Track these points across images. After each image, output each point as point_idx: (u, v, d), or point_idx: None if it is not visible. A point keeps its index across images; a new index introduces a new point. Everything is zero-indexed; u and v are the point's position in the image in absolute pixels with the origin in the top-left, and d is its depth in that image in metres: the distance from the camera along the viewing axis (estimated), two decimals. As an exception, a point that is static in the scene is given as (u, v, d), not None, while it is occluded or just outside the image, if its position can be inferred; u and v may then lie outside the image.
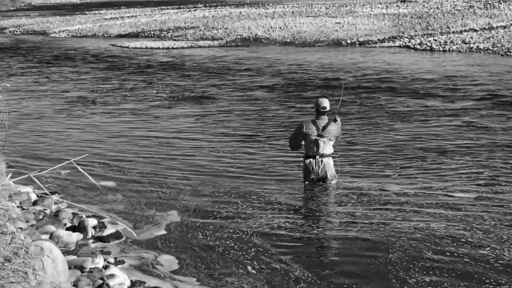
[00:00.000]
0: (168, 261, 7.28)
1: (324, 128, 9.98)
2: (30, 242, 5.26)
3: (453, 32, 37.37)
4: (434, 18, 44.04)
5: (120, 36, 50.13)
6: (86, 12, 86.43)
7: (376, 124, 15.25)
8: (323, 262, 7.31)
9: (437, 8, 53.58)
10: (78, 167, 3.29)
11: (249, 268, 7.01)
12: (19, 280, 3.02)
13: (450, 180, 10.18)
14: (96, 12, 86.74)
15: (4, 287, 2.85)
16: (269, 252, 7.46)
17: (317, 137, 9.98)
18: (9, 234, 3.16)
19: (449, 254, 7.27)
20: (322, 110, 10.07)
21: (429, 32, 38.26)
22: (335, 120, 10.08)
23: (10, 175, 3.51)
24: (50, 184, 10.19)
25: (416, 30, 39.12)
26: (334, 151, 10.33)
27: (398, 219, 8.42)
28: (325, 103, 10.10)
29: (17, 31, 61.42)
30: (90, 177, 3.48)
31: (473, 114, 15.87)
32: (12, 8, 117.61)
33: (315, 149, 10.00)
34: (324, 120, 10.06)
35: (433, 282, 6.57)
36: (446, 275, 6.74)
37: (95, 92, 22.28)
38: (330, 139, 10.04)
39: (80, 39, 50.40)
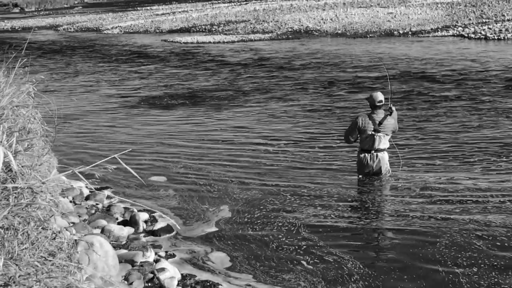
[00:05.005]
0: (219, 258, 7.22)
1: (381, 123, 9.79)
2: (77, 236, 5.29)
3: (508, 20, 36.54)
4: (489, 6, 43.13)
5: (171, 31, 50.42)
6: (138, 8, 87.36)
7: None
8: (372, 253, 7.29)
9: (492, -5, 52.44)
10: (122, 162, 3.28)
11: (304, 263, 6.94)
12: (63, 275, 3.02)
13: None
14: (148, 8, 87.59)
15: (41, 282, 2.84)
16: (320, 245, 7.39)
17: (373, 132, 9.80)
18: (50, 230, 3.16)
19: (499, 244, 7.16)
20: (378, 104, 9.84)
21: (484, 20, 37.49)
22: (390, 113, 9.87)
23: (55, 170, 3.52)
24: (101, 180, 10.26)
25: (470, 19, 38.38)
26: (396, 144, 10.22)
27: (455, 211, 8.29)
28: (381, 96, 9.87)
29: (70, 29, 62.39)
30: (133, 171, 3.47)
31: None
32: (66, 6, 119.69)
33: (371, 144, 9.83)
34: (380, 114, 9.84)
35: (481, 272, 6.51)
36: (495, 263, 6.68)
37: (149, 90, 22.37)
38: (386, 134, 9.86)
39: (132, 35, 50.88)
